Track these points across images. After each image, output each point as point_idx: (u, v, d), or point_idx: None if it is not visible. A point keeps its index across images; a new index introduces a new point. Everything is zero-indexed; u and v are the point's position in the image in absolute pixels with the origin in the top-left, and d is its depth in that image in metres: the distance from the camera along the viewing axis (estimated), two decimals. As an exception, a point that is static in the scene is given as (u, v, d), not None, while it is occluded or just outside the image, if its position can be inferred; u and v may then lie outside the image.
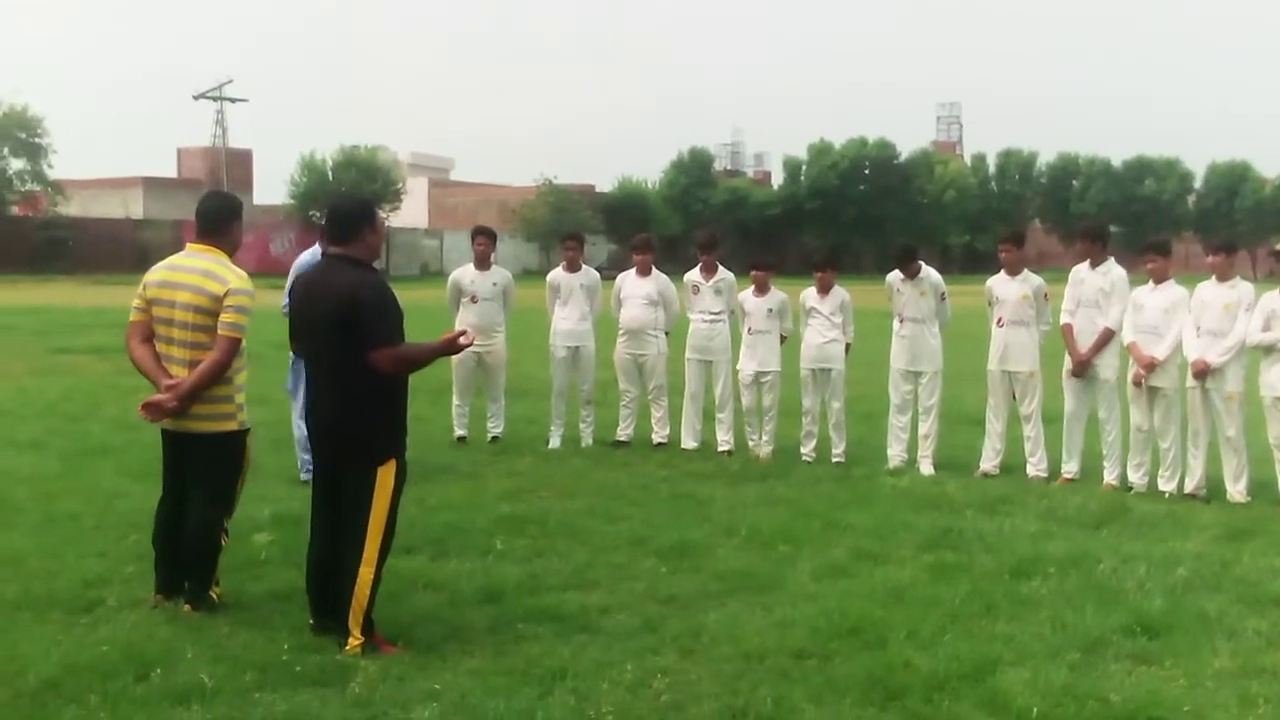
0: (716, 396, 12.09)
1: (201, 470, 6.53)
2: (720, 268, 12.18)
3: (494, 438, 12.38)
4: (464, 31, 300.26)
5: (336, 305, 5.93)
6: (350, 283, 5.97)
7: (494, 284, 12.40)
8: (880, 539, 8.29)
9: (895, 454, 11.32)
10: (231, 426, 6.55)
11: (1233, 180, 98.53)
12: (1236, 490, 9.92)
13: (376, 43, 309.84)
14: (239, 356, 6.52)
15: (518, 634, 6.19)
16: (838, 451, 11.47)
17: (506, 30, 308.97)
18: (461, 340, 6.12)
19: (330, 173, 74.02)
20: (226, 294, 6.39)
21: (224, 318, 6.39)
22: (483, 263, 12.42)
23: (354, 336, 5.87)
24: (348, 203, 6.52)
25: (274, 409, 11.95)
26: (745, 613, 6.61)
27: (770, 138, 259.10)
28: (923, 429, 11.19)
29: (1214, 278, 10.21)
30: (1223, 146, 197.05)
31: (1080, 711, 5.19)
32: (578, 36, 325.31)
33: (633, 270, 12.58)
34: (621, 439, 12.32)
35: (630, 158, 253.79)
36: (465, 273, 12.49)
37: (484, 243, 12.41)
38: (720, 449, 11.89)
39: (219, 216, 6.74)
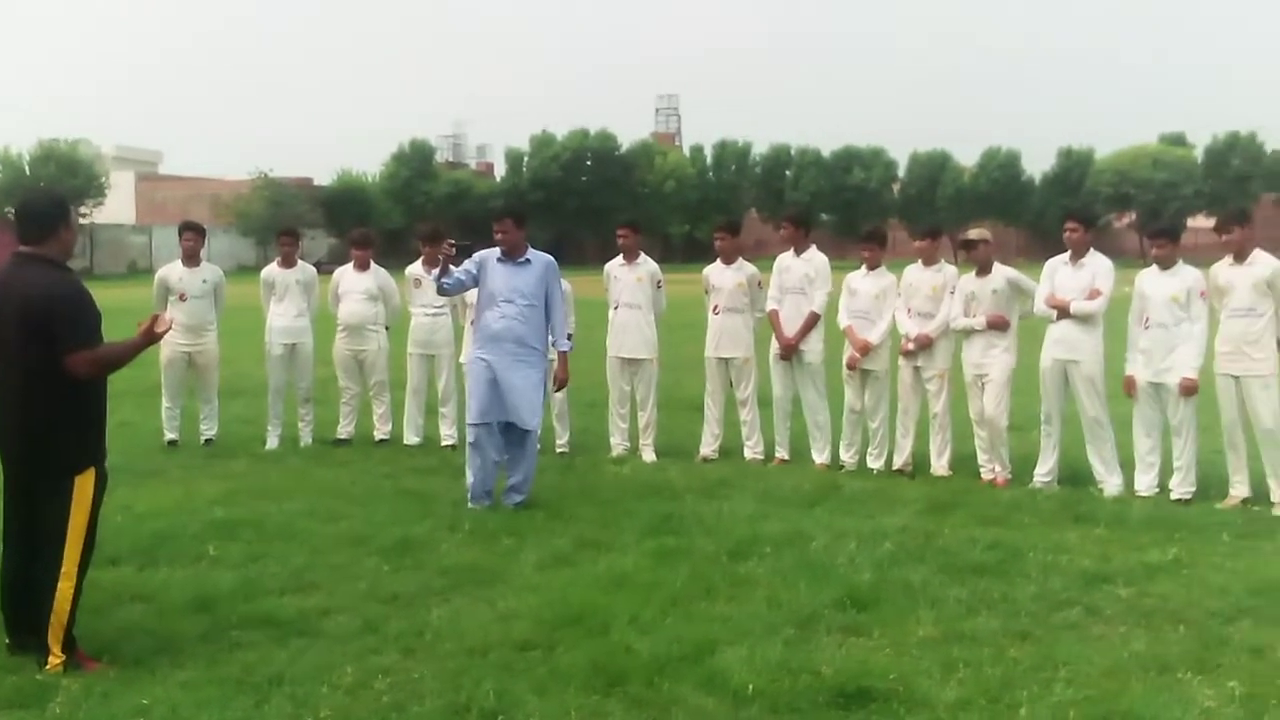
0: (440, 391, 11.99)
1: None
2: None
3: (207, 440, 11.98)
4: (174, 17, 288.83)
5: (27, 308, 5.59)
6: (42, 284, 5.65)
7: (204, 281, 11.97)
8: (604, 527, 8.37)
9: (617, 442, 11.46)
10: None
11: (933, 169, 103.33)
12: (940, 465, 10.42)
13: (81, 34, 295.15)
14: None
15: (232, 642, 5.99)
16: (561, 442, 11.53)
17: (220, 16, 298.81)
18: (158, 328, 5.85)
19: (28, 168, 70.42)
20: None
21: None
22: (191, 259, 11.99)
23: (46, 340, 5.55)
24: (39, 199, 6.12)
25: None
26: (469, 607, 6.57)
27: (493, 129, 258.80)
28: (642, 418, 11.35)
29: (920, 262, 10.67)
30: (923, 137, 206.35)
31: (794, 685, 5.34)
32: (297, 24, 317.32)
33: (351, 265, 12.35)
34: (342, 437, 12.09)
35: (350, 150, 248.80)
36: (173, 270, 12.02)
37: (192, 238, 11.98)
38: (444, 444, 11.80)
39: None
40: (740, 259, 11.35)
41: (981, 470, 10.22)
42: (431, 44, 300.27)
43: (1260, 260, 9.18)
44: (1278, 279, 9.08)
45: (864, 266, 10.85)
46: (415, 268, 12.13)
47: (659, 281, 11.51)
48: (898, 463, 10.55)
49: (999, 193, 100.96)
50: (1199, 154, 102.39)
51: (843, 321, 10.76)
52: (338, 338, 12.20)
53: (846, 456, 10.78)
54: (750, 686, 5.29)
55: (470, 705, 5.16)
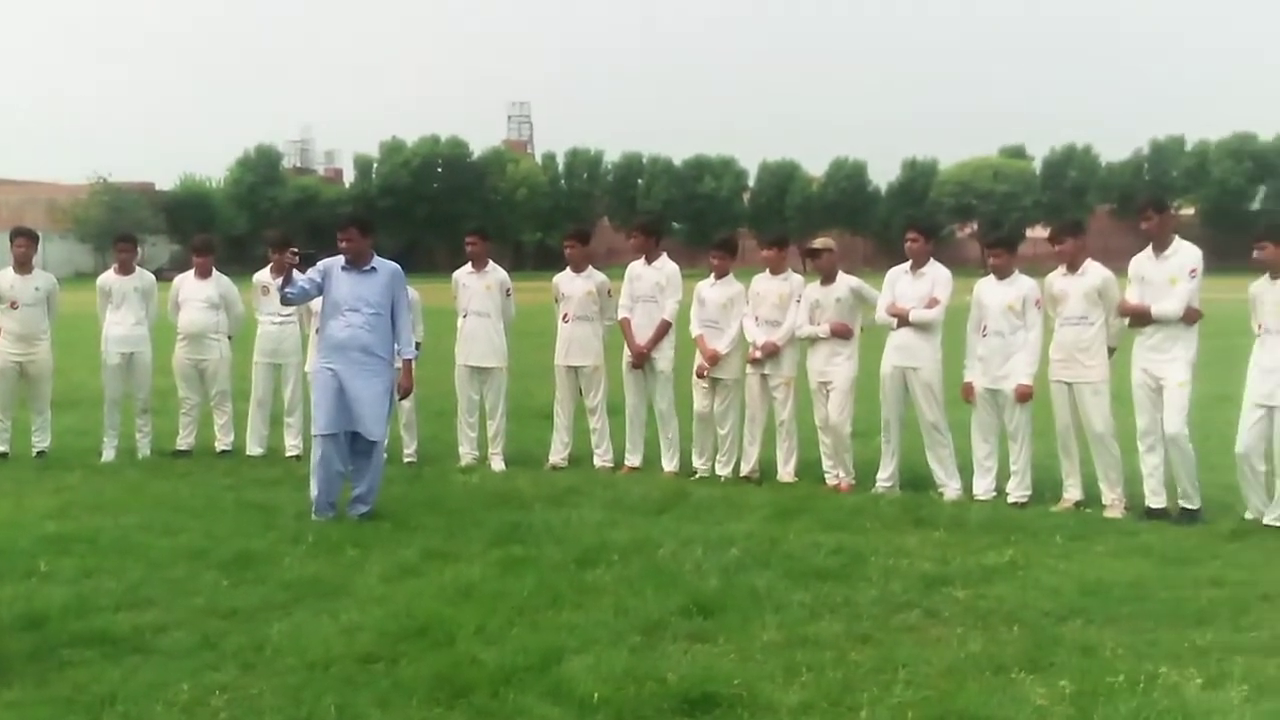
0: (286, 400, 11.78)
1: None
2: None
3: (39, 452, 11.61)
4: (2, 14, 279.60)
5: None
6: None
7: (36, 289, 11.59)
8: (451, 537, 8.30)
9: (466, 451, 11.38)
10: None
11: (782, 179, 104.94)
12: (786, 471, 10.55)
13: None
14: None
15: (63, 660, 5.80)
16: (409, 451, 11.42)
17: (57, 15, 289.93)
18: None
19: None
20: None
21: None
22: (23, 266, 11.59)
23: None
24: None
25: None
26: (311, 621, 6.45)
27: (342, 135, 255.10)
28: (491, 426, 11.29)
29: (768, 271, 10.79)
30: (772, 147, 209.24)
31: (639, 693, 5.35)
32: (136, 24, 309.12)
33: (192, 272, 12.08)
34: (182, 448, 11.81)
35: (193, 155, 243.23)
36: (4, 277, 11.60)
37: (24, 244, 11.58)
38: (288, 454, 11.61)
39: None
40: (590, 267, 11.36)
41: (826, 476, 10.38)
42: (279, 47, 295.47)
43: (1091, 270, 9.49)
44: (1108, 288, 9.39)
45: (712, 275, 10.94)
46: (263, 275, 11.90)
47: (508, 289, 11.47)
48: (745, 470, 10.65)
49: (846, 202, 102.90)
50: (1038, 166, 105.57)
51: (693, 331, 10.84)
52: (178, 346, 11.92)
53: (698, 464, 10.85)
54: (596, 695, 5.28)
55: (310, 720, 5.08)
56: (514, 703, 5.27)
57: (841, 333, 10.24)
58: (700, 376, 10.76)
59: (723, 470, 10.72)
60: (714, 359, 10.64)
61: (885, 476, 10.11)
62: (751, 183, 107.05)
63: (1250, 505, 8.98)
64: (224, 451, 11.83)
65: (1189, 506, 9.04)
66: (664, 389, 10.97)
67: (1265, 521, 8.77)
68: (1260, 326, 8.95)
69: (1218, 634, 6.29)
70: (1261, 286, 8.98)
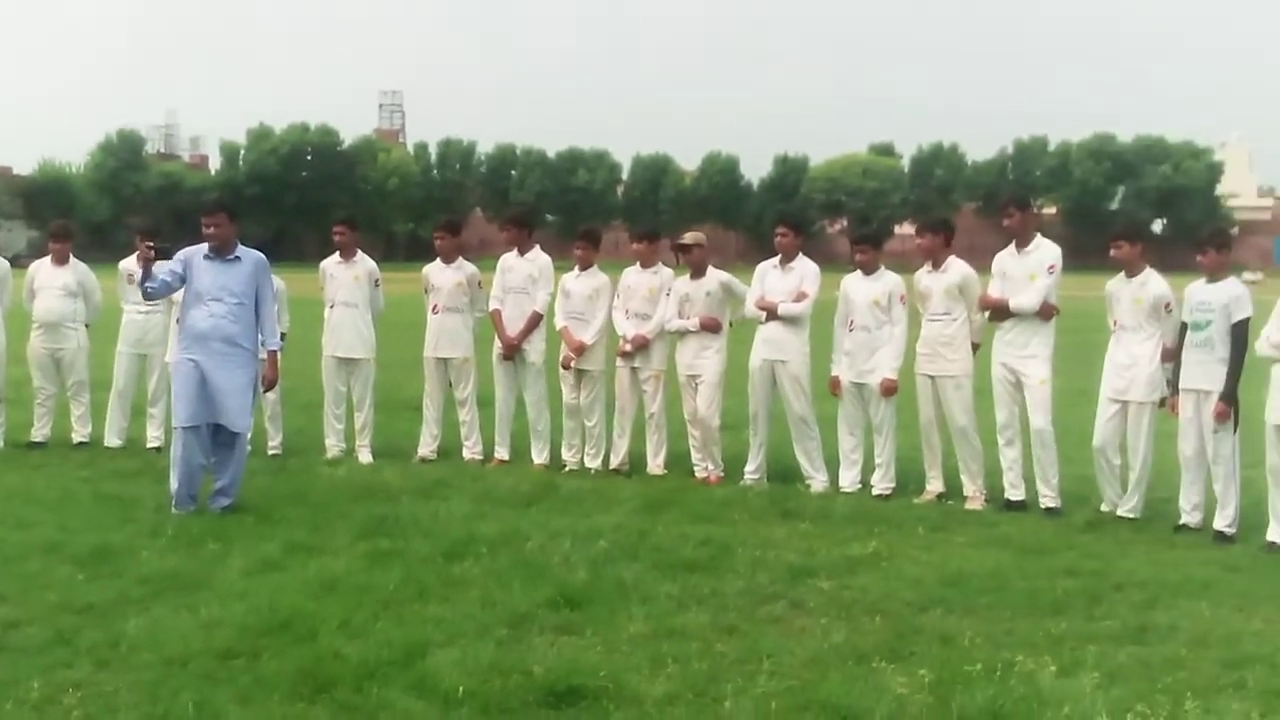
0: (150, 391, 11.52)
1: None
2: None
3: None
4: None
5: None
6: None
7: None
8: (315, 530, 8.17)
9: (332, 444, 11.23)
10: None
11: (656, 172, 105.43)
12: (656, 464, 10.58)
13: None
14: None
15: (-94, 659, 5.60)
16: (274, 444, 11.25)
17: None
18: None
19: None
20: None
21: None
22: None
23: None
24: None
25: None
26: (170, 616, 6.30)
27: (208, 121, 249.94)
28: (359, 418, 11.16)
29: (638, 264, 10.81)
30: (646, 140, 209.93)
31: (505, 685, 5.32)
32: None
33: (48, 259, 11.72)
34: (37, 440, 11.48)
35: (53, 139, 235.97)
36: None
37: None
38: (149, 445, 11.35)
39: None
40: (460, 258, 11.27)
41: (695, 469, 10.44)
42: (144, 31, 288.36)
43: (954, 267, 9.67)
44: (969, 284, 9.58)
45: (576, 267, 10.93)
46: (128, 263, 11.57)
47: (376, 280, 11.33)
48: (614, 462, 10.67)
49: (719, 197, 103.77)
50: (906, 164, 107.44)
51: (558, 323, 10.82)
52: (33, 335, 11.57)
53: (567, 456, 10.83)
54: (461, 688, 5.24)
55: (167, 717, 4.96)
56: (377, 697, 5.21)
57: (711, 326, 10.31)
58: (565, 368, 10.74)
59: (592, 463, 10.72)
60: (579, 350, 10.64)
61: (753, 469, 10.20)
62: (625, 176, 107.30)
63: (1105, 497, 9.24)
64: (81, 443, 11.51)
65: (1051, 505, 9.27)
66: (534, 381, 10.94)
67: (1119, 513, 9.05)
68: (1115, 323, 9.22)
69: (1072, 623, 6.46)
70: (1117, 284, 9.25)
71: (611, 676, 5.44)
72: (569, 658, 5.72)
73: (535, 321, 10.87)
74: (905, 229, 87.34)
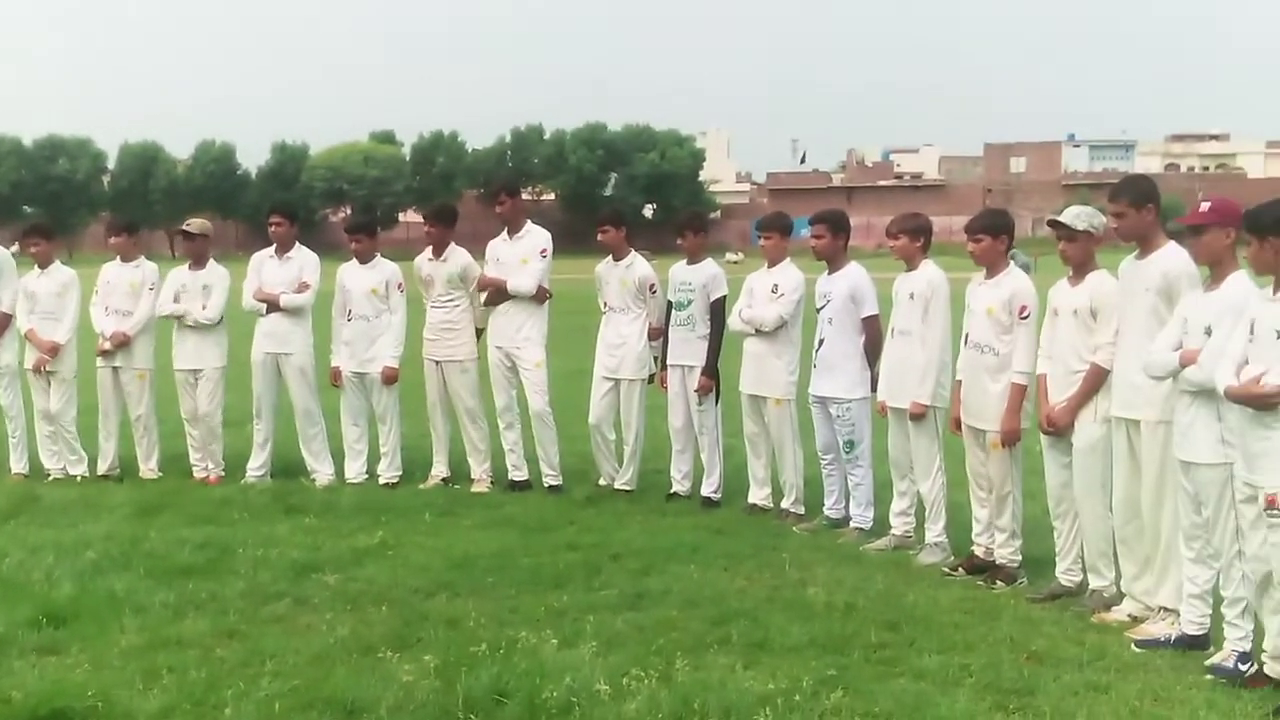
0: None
1: None
2: None
3: None
4: None
5: None
6: None
7: None
8: None
9: None
10: None
11: (145, 161, 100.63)
12: (149, 467, 10.10)
13: None
14: None
15: None
16: None
17: None
18: None
19: None
20: None
21: None
22: None
23: None
24: None
25: None
26: None
27: None
28: None
29: (119, 258, 10.21)
30: (133, 128, 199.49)
31: (-15, 717, 4.91)
32: None
33: None
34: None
35: None
36: None
37: None
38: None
39: None
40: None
41: (194, 469, 10.02)
42: None
43: (454, 255, 9.74)
44: (469, 271, 9.71)
45: (35, 266, 10.19)
46: None
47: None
48: (102, 467, 10.07)
49: (215, 186, 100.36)
50: (407, 152, 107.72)
51: (22, 326, 10.02)
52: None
53: (50, 463, 10.11)
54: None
55: None
56: None
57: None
58: (37, 371, 10.00)
59: (76, 470, 10.06)
60: (53, 352, 9.93)
61: (256, 466, 9.91)
62: (112, 165, 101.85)
63: (603, 472, 9.62)
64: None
65: (554, 483, 9.55)
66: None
67: (616, 486, 9.46)
68: (605, 304, 9.60)
69: (572, 595, 6.68)
70: (606, 267, 9.63)
71: (101, 695, 5.13)
72: (53, 679, 5.35)
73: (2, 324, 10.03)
74: (410, 216, 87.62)
